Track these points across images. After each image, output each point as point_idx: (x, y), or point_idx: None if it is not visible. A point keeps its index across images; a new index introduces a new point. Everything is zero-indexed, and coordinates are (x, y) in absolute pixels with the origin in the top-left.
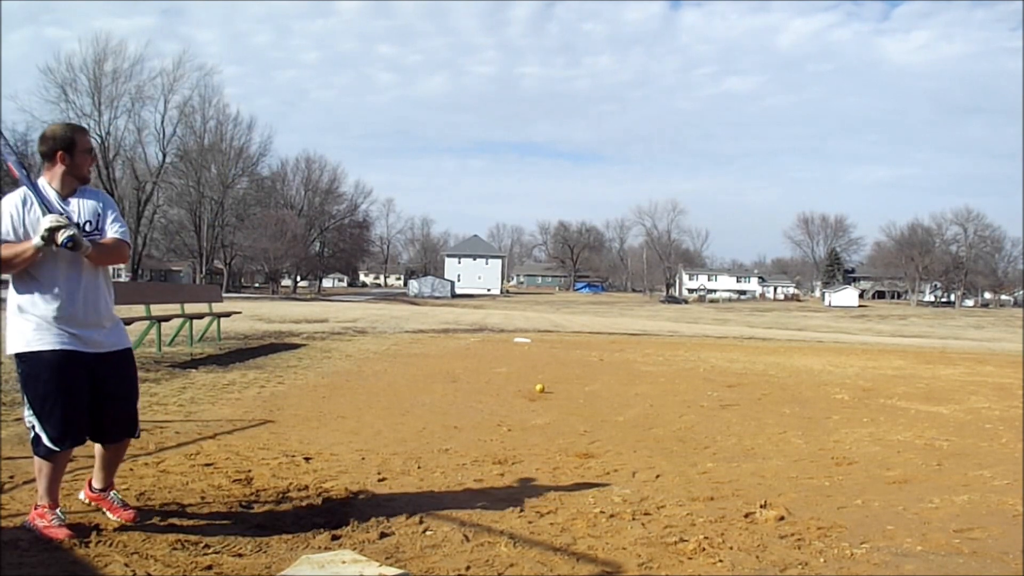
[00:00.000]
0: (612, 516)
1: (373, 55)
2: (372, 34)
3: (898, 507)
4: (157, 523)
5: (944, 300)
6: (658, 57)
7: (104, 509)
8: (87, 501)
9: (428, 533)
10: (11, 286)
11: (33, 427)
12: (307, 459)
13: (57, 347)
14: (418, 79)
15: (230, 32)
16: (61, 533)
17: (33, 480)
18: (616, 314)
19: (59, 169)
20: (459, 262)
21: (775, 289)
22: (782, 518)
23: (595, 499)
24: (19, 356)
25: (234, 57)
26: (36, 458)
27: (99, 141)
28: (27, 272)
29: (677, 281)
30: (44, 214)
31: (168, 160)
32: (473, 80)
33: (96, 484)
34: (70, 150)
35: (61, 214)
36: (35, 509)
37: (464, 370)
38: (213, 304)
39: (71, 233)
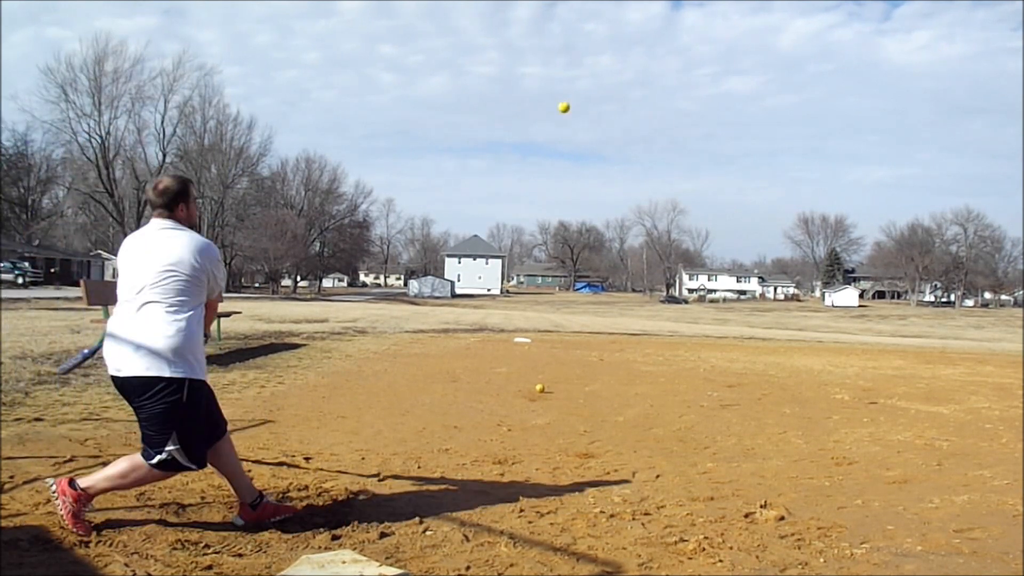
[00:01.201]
0: (612, 516)
1: (374, 55)
2: (373, 34)
3: (898, 507)
4: (157, 523)
5: (944, 300)
6: (659, 57)
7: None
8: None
9: (428, 533)
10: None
11: None
12: (307, 459)
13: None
14: (419, 79)
15: (231, 32)
16: (82, 527)
17: (34, 479)
18: (616, 314)
19: (180, 216)
20: (459, 262)
21: (775, 289)
22: (782, 518)
23: (595, 499)
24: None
25: (235, 57)
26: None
27: (99, 141)
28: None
29: (677, 281)
30: None
31: (168, 160)
32: (474, 80)
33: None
34: (187, 201)
35: None
36: (70, 485)
37: (464, 370)
38: None
39: None
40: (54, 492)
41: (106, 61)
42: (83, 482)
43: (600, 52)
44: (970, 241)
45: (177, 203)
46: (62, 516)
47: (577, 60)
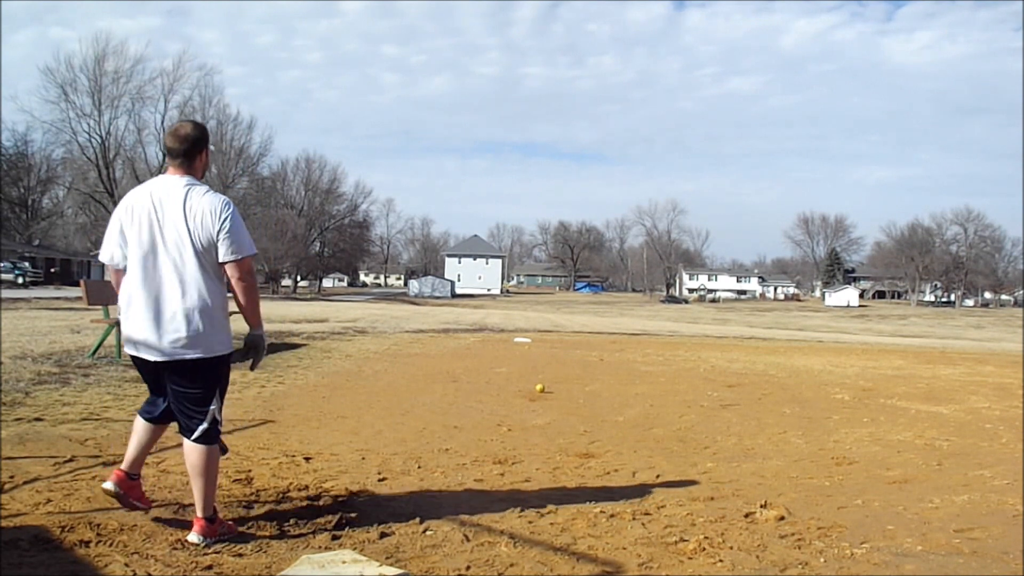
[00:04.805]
0: (612, 516)
1: (377, 55)
2: (376, 34)
3: (898, 507)
4: (157, 523)
5: (944, 300)
6: (661, 57)
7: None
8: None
9: (428, 533)
10: (216, 289)
11: (217, 420)
12: (307, 459)
13: None
14: (422, 79)
15: (234, 32)
16: (232, 527)
17: (34, 479)
18: (616, 314)
19: (198, 166)
20: (459, 262)
21: (775, 289)
22: (782, 518)
23: (595, 499)
24: (226, 356)
25: (238, 58)
26: (209, 456)
27: (99, 141)
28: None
29: (677, 281)
30: None
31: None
32: (477, 80)
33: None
34: (205, 148)
35: None
36: (211, 523)
37: (464, 370)
38: None
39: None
40: (213, 541)
41: (106, 61)
42: (203, 512)
43: (603, 52)
44: (970, 241)
45: (202, 151)
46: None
47: (579, 60)
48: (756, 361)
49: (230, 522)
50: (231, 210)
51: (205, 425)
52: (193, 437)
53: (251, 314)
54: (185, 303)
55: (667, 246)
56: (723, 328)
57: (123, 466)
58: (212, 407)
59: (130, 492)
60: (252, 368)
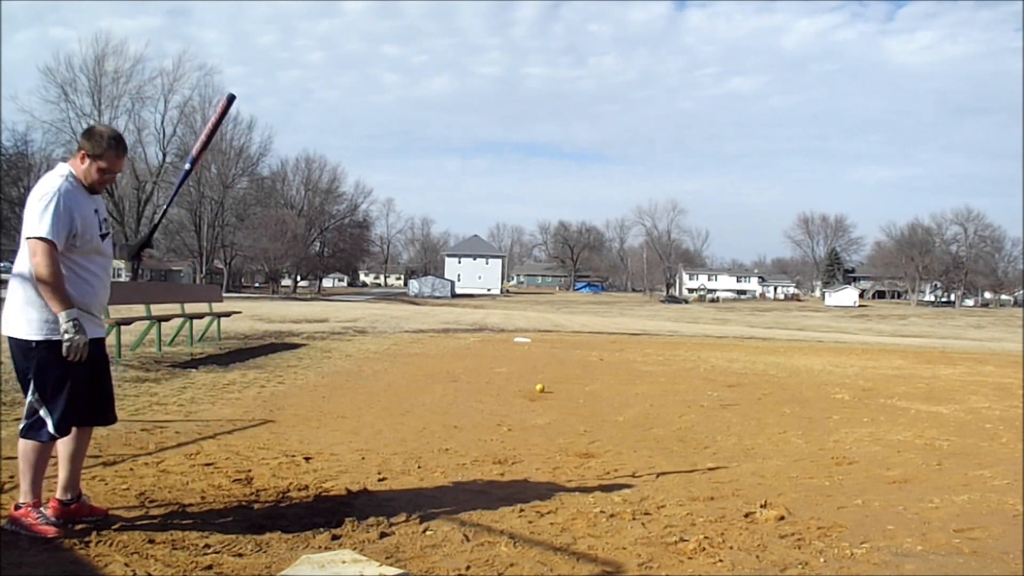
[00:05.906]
0: (612, 516)
1: (378, 55)
2: (377, 34)
3: (898, 507)
4: (157, 523)
5: (944, 300)
6: (662, 57)
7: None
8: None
9: (428, 533)
10: (23, 274)
11: (37, 413)
12: (307, 459)
13: (90, 336)
14: (423, 79)
15: (235, 32)
16: (51, 530)
17: None
18: (616, 314)
19: (77, 159)
20: (459, 262)
21: (775, 289)
22: (782, 518)
23: (595, 499)
24: (41, 343)
25: (239, 57)
26: (27, 449)
27: None
28: (68, 263)
29: (677, 281)
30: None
31: (168, 160)
32: (477, 81)
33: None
34: (85, 152)
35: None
36: (17, 509)
37: (464, 370)
38: (213, 304)
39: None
40: (15, 527)
41: (106, 61)
42: (22, 497)
43: (604, 52)
44: (970, 241)
45: (78, 149)
46: (39, 534)
47: (581, 60)
48: (756, 361)
49: (50, 525)
50: (44, 193)
51: (24, 420)
52: (19, 431)
53: (48, 298)
54: (11, 281)
55: (667, 246)
56: (723, 328)
57: (57, 495)
58: (29, 398)
59: (74, 516)
60: (64, 354)
